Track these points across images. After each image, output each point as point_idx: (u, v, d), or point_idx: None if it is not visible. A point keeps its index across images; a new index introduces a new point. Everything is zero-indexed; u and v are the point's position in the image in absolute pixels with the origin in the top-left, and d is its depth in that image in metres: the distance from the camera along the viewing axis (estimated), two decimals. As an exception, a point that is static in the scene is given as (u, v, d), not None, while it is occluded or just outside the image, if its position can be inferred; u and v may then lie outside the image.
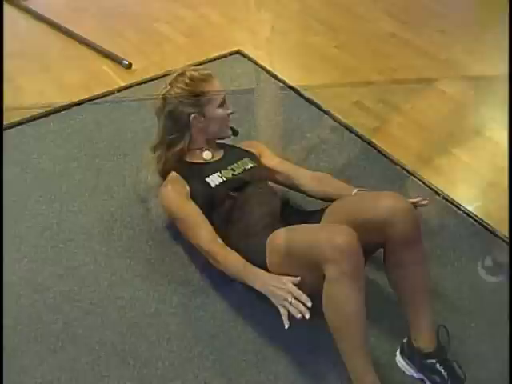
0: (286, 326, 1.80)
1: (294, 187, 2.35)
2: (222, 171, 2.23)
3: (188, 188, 2.20)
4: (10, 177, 2.57)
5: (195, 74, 2.26)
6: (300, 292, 1.80)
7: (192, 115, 2.23)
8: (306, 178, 2.32)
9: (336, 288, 1.71)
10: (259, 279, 1.89)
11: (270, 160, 2.41)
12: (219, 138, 2.36)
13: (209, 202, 2.16)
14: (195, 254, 2.24)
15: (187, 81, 2.24)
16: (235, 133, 2.40)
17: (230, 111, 2.30)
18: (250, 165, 2.30)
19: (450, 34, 3.77)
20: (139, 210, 2.45)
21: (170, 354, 1.97)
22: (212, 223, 2.12)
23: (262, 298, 1.91)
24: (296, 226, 1.98)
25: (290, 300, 1.79)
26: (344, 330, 1.75)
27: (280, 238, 1.92)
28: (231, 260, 2.00)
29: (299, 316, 1.77)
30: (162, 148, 2.32)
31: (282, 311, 1.81)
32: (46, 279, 2.19)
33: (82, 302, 2.12)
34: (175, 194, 2.20)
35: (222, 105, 2.27)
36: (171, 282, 2.19)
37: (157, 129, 2.33)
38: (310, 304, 1.78)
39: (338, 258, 1.69)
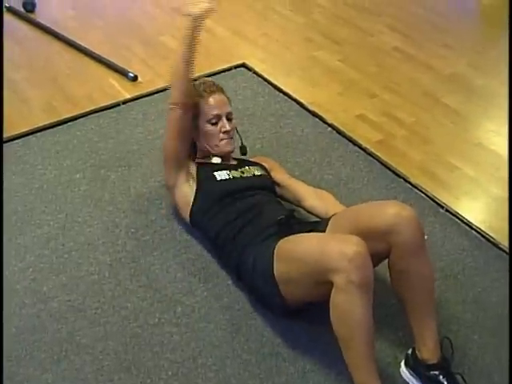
0: None
1: (299, 205, 2.37)
2: (232, 171, 2.30)
3: (194, 173, 2.29)
4: (15, 187, 2.59)
5: (197, 88, 2.33)
6: None
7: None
8: (311, 197, 2.33)
9: (343, 297, 1.72)
10: None
11: (279, 175, 2.44)
12: (215, 153, 2.36)
13: (211, 193, 2.22)
14: (199, 264, 2.27)
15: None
16: (243, 151, 2.46)
17: (225, 128, 2.31)
18: (260, 173, 2.35)
19: (454, 48, 3.79)
20: (144, 220, 2.46)
21: (173, 364, 1.98)
22: (216, 220, 2.20)
23: (266, 305, 1.91)
24: (304, 234, 2.01)
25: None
26: (350, 340, 1.76)
27: (290, 244, 1.94)
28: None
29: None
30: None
31: None
32: (50, 289, 2.20)
33: (86, 311, 2.13)
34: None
35: (213, 121, 2.30)
36: (175, 292, 2.19)
37: None
38: None
39: (346, 268, 1.69)
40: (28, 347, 2.01)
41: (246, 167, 2.35)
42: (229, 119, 2.34)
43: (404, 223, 1.85)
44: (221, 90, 2.37)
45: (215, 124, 2.31)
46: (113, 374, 1.95)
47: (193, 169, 2.32)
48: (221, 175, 2.27)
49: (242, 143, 2.47)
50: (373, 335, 1.76)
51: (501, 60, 3.47)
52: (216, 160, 2.36)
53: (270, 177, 2.40)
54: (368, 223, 1.90)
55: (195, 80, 2.38)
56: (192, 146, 2.40)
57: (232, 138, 2.36)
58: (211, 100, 2.32)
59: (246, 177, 2.30)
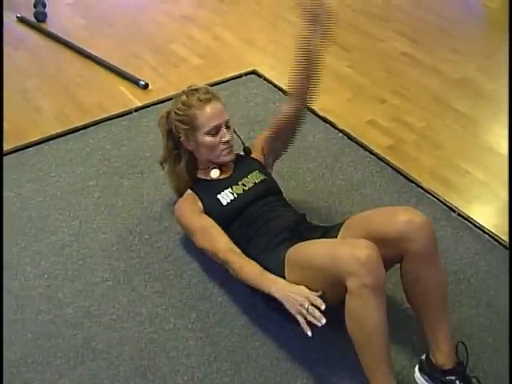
0: (309, 334, 1.79)
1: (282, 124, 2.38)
2: (233, 187, 2.25)
3: (201, 205, 2.24)
4: (29, 194, 2.62)
5: (191, 97, 2.24)
6: (316, 297, 1.80)
7: (181, 138, 2.28)
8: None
9: (357, 301, 1.73)
10: (276, 285, 1.90)
11: (258, 145, 2.45)
12: (215, 163, 2.32)
13: (221, 219, 2.19)
14: (213, 269, 2.27)
15: (179, 105, 2.26)
16: (247, 151, 2.43)
17: (225, 139, 2.25)
18: (261, 177, 2.30)
19: (462, 52, 3.80)
20: (157, 227, 2.48)
21: (189, 369, 1.99)
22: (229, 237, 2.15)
23: (281, 312, 1.92)
24: (316, 240, 2.00)
25: (306, 306, 1.79)
26: (366, 343, 1.76)
27: (300, 251, 1.94)
28: (248, 267, 2.01)
29: (317, 323, 1.76)
30: (170, 162, 2.40)
31: (300, 319, 1.81)
32: (65, 295, 2.22)
33: (101, 317, 2.14)
34: (189, 209, 2.25)
35: (213, 132, 2.23)
36: (189, 297, 2.21)
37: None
38: (323, 307, 1.78)
39: (359, 271, 1.70)
40: (44, 353, 2.03)
41: (246, 178, 2.29)
42: (227, 127, 2.27)
43: (416, 230, 1.85)
44: (216, 97, 2.27)
45: (215, 135, 2.24)
46: (129, 379, 1.96)
47: (198, 206, 2.26)
48: (225, 198, 2.22)
49: (243, 144, 2.42)
50: (388, 338, 1.77)
51: (508, 65, 3.48)
52: (215, 173, 2.32)
53: (268, 172, 2.39)
54: (380, 230, 1.90)
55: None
56: (190, 159, 2.36)
57: (232, 145, 2.30)
58: (208, 110, 2.21)
59: (249, 188, 2.25)
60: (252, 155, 2.43)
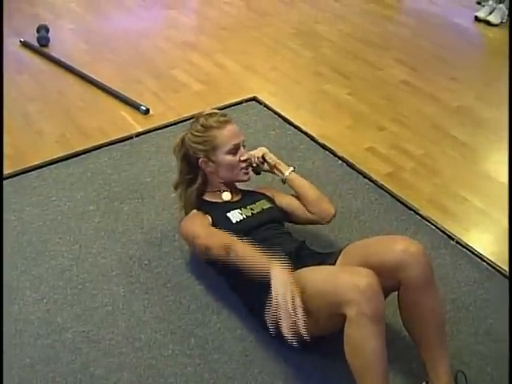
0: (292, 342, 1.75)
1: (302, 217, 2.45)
2: (242, 209, 2.29)
3: (210, 219, 2.26)
4: (30, 218, 2.62)
5: (209, 120, 2.31)
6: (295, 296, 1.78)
7: (200, 159, 2.32)
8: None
9: (356, 329, 1.73)
10: (277, 267, 1.86)
11: (282, 199, 2.47)
12: (234, 182, 2.40)
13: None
14: (212, 296, 2.28)
15: (198, 127, 2.32)
16: (257, 172, 2.47)
17: (244, 157, 2.33)
18: (268, 205, 2.36)
19: (461, 81, 3.85)
20: (157, 252, 2.48)
21: (187, 395, 1.99)
22: None
23: (280, 338, 1.92)
24: (316, 266, 2.01)
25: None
26: (364, 372, 1.76)
27: (300, 277, 1.94)
28: (252, 251, 1.97)
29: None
30: (182, 186, 2.42)
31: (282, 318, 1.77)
32: (64, 320, 2.21)
33: (100, 342, 2.14)
34: (198, 222, 2.25)
35: (233, 151, 2.30)
36: (188, 323, 2.21)
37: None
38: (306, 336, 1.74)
39: (358, 300, 1.71)
40: (42, 378, 2.02)
41: (255, 204, 2.34)
42: (243, 146, 2.36)
43: (412, 259, 1.88)
44: (231, 120, 2.36)
45: (234, 154, 2.31)
46: (127, 405, 1.96)
47: (207, 218, 2.27)
48: (234, 216, 2.26)
49: (254, 166, 2.47)
50: (387, 366, 1.77)
51: (507, 91, 3.51)
52: (226, 196, 2.37)
53: (277, 206, 2.42)
54: (377, 259, 1.92)
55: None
56: (199, 181, 2.38)
57: (249, 166, 2.38)
58: (227, 130, 2.31)
59: (257, 213, 2.30)
60: (264, 192, 2.48)
